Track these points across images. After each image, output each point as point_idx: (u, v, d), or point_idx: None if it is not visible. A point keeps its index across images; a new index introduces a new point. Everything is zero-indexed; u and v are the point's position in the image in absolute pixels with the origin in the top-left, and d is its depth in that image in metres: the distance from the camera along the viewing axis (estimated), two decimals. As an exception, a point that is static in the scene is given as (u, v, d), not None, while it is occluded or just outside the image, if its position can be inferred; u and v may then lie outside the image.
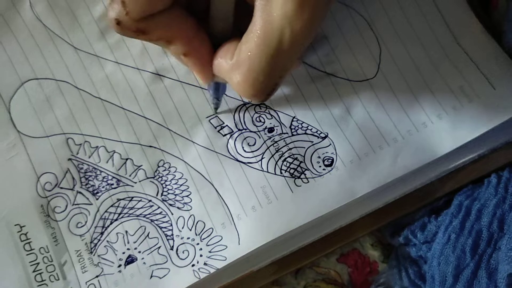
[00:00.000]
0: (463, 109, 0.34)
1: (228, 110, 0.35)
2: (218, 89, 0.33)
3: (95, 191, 0.34)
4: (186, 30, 0.28)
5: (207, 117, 0.35)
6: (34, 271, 0.33)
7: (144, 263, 0.33)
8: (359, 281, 0.36)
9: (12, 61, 0.35)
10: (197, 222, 0.33)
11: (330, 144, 0.34)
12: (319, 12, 0.25)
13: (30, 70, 0.35)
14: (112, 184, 0.34)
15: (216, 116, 0.35)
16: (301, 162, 0.34)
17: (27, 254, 0.33)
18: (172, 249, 0.33)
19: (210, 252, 0.33)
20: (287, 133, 0.34)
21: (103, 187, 0.34)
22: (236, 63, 0.27)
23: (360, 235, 0.35)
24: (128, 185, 0.34)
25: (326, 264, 0.36)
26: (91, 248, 0.33)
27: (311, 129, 0.34)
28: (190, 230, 0.33)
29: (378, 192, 0.33)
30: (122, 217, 0.34)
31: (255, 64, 0.26)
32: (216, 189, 0.34)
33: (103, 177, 0.34)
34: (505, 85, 0.34)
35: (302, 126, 0.34)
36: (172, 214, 0.34)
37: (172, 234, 0.33)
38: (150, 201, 0.34)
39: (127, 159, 0.34)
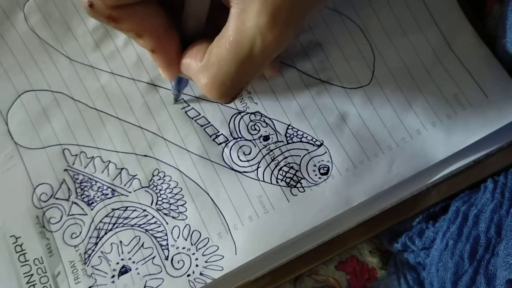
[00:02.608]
0: (457, 117, 0.34)
1: (216, 120, 0.35)
2: (180, 82, 0.33)
3: (90, 201, 0.34)
4: (157, 26, 0.28)
5: (202, 126, 0.35)
6: (27, 283, 0.33)
7: (138, 273, 0.33)
8: (357, 289, 0.36)
9: (8, 73, 0.35)
10: (192, 232, 0.33)
11: (326, 152, 0.34)
12: (290, 28, 0.26)
13: (26, 82, 0.35)
14: (107, 194, 0.34)
15: (211, 125, 0.35)
16: (297, 170, 0.34)
17: (21, 266, 0.33)
18: (167, 259, 0.33)
19: (206, 262, 0.33)
20: (282, 141, 0.34)
21: (98, 197, 0.34)
22: (205, 65, 0.27)
23: (357, 242, 0.35)
24: (123, 194, 0.34)
25: (325, 272, 0.36)
26: (85, 259, 0.33)
27: (306, 137, 0.34)
28: (186, 239, 0.33)
29: (374, 200, 0.33)
30: (116, 227, 0.33)
31: (224, 69, 0.26)
32: (211, 198, 0.34)
33: (98, 187, 0.34)
34: (497, 93, 0.34)
35: (297, 134, 0.34)
36: (167, 223, 0.33)
37: (167, 244, 0.33)
38: (144, 210, 0.34)
39: (122, 169, 0.34)
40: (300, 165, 0.34)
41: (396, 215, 0.34)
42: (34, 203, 0.34)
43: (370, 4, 0.35)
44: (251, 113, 0.35)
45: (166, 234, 0.33)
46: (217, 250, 0.33)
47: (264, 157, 0.34)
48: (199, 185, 0.34)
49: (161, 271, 0.33)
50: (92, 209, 0.34)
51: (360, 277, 0.36)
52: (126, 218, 0.34)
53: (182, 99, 0.35)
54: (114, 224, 0.34)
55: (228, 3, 0.26)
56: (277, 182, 0.34)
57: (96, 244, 0.33)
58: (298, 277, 0.36)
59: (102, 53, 0.35)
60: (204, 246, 0.33)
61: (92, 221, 0.34)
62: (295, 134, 0.34)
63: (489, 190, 0.33)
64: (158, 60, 0.29)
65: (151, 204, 0.34)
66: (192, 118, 0.35)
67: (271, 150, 0.34)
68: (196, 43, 0.29)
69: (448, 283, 0.31)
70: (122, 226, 0.34)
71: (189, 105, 0.35)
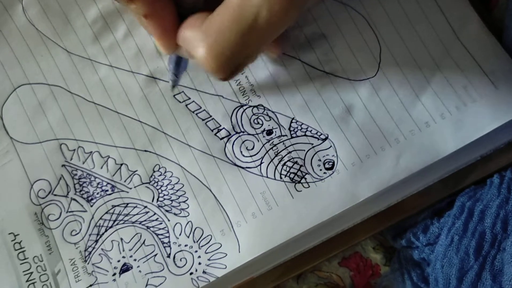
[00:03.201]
0: (467, 109, 0.33)
1: (218, 114, 0.34)
2: (179, 64, 0.32)
3: (90, 198, 0.33)
4: None
5: (204, 120, 0.34)
6: (27, 281, 0.33)
7: (139, 271, 0.33)
8: (361, 285, 0.36)
9: (4, 66, 0.35)
10: (195, 229, 0.33)
11: (331, 146, 0.33)
12: (297, 1, 0.25)
13: (23, 75, 0.35)
14: (107, 190, 0.34)
15: (213, 118, 0.34)
16: (301, 166, 0.33)
17: (21, 263, 0.33)
18: (169, 256, 0.33)
19: (209, 260, 0.33)
20: (286, 135, 0.34)
21: (97, 193, 0.33)
22: (204, 33, 0.26)
23: (362, 239, 0.34)
24: (123, 191, 0.34)
25: (328, 268, 0.36)
26: (85, 257, 0.33)
27: (310, 131, 0.34)
28: (188, 237, 0.33)
29: (380, 195, 0.33)
30: (117, 224, 0.33)
31: (224, 37, 0.25)
32: (214, 195, 0.33)
33: (98, 183, 0.34)
34: (507, 85, 0.33)
35: (302, 128, 0.34)
36: (169, 220, 0.33)
37: (169, 241, 0.33)
38: (145, 207, 0.33)
39: (122, 164, 0.34)
40: (304, 160, 0.33)
41: (402, 211, 0.34)
42: (32, 200, 0.33)
43: (375, -6, 0.35)
44: (254, 106, 0.34)
45: (168, 231, 0.33)
46: (220, 247, 0.33)
47: (267, 152, 0.34)
48: (201, 181, 0.33)
49: (163, 269, 0.32)
50: (91, 206, 0.33)
51: (364, 273, 0.36)
52: (126, 215, 0.33)
53: (183, 91, 0.34)
54: (114, 221, 0.33)
55: None
56: (280, 177, 0.33)
57: (96, 241, 0.33)
58: (301, 274, 0.36)
59: (101, 45, 0.35)
60: (206, 244, 0.33)
61: (92, 218, 0.33)
62: (299, 127, 0.34)
63: (495, 185, 0.32)
64: (153, 27, 0.28)
65: (152, 201, 0.33)
66: (193, 112, 0.34)
67: (275, 145, 0.34)
68: (195, 14, 0.27)
69: (453, 279, 0.31)
70: (123, 223, 0.33)
71: (189, 98, 0.34)
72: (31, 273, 0.33)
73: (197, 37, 0.26)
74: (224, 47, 0.25)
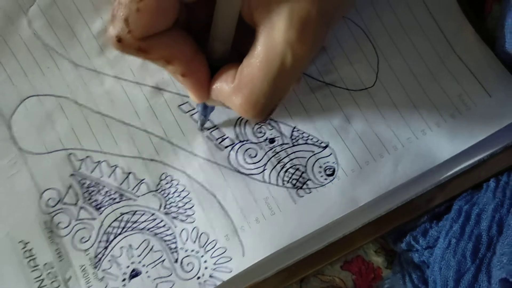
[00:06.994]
0: (461, 117, 0.34)
1: (222, 124, 0.35)
2: (207, 107, 0.33)
3: (98, 206, 0.34)
4: (186, 51, 0.28)
5: (208, 129, 0.35)
6: (39, 287, 0.33)
7: (148, 276, 0.33)
8: (363, 288, 0.36)
9: (11, 78, 0.35)
10: (200, 234, 0.33)
11: (331, 154, 0.34)
12: (318, 38, 0.26)
13: (30, 87, 0.35)
14: (115, 199, 0.34)
15: (217, 128, 0.35)
16: (303, 172, 0.34)
17: (31, 271, 0.33)
18: (176, 262, 0.33)
19: (215, 264, 0.33)
20: (288, 143, 0.34)
21: (106, 201, 0.34)
22: (237, 86, 0.27)
23: (363, 243, 0.35)
24: (131, 199, 0.34)
25: (331, 272, 0.36)
26: (96, 263, 0.33)
27: (311, 139, 0.34)
28: (194, 242, 0.33)
29: (379, 200, 0.34)
30: (125, 231, 0.34)
31: (257, 87, 0.26)
32: (218, 201, 0.34)
33: (106, 192, 0.34)
34: (500, 92, 0.34)
35: (303, 136, 0.35)
36: (176, 226, 0.34)
37: (176, 247, 0.33)
38: (153, 214, 0.34)
39: (129, 173, 0.34)
40: (306, 166, 0.34)
41: (402, 215, 0.34)
42: (42, 209, 0.34)
43: (372, 7, 0.35)
44: None
45: (175, 237, 0.33)
46: (225, 252, 0.33)
47: (270, 159, 0.34)
48: (206, 189, 0.34)
49: (171, 274, 0.33)
50: (100, 214, 0.34)
51: (366, 276, 0.36)
52: (135, 222, 0.34)
53: (187, 102, 0.35)
54: (123, 228, 0.34)
55: (254, 23, 0.26)
56: (283, 183, 0.34)
57: (106, 248, 0.33)
58: (304, 278, 0.36)
59: (106, 57, 0.35)
60: (212, 249, 0.33)
61: (101, 225, 0.34)
62: (300, 136, 0.35)
63: (491, 189, 0.33)
64: (189, 83, 0.29)
65: (160, 208, 0.34)
66: (198, 121, 0.35)
67: (277, 152, 0.34)
68: (224, 68, 0.28)
69: (451, 281, 0.31)
70: (131, 230, 0.34)
71: (194, 108, 0.35)
72: (42, 279, 0.33)
73: (232, 91, 0.27)
74: (259, 95, 0.27)
